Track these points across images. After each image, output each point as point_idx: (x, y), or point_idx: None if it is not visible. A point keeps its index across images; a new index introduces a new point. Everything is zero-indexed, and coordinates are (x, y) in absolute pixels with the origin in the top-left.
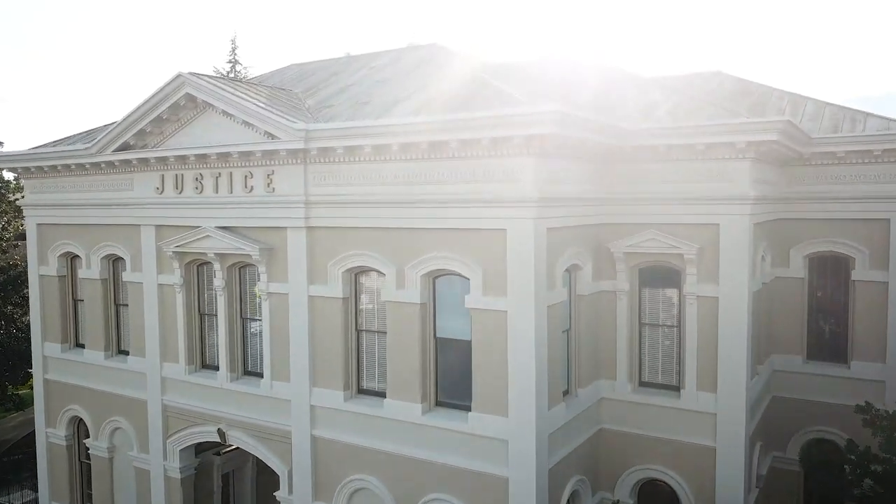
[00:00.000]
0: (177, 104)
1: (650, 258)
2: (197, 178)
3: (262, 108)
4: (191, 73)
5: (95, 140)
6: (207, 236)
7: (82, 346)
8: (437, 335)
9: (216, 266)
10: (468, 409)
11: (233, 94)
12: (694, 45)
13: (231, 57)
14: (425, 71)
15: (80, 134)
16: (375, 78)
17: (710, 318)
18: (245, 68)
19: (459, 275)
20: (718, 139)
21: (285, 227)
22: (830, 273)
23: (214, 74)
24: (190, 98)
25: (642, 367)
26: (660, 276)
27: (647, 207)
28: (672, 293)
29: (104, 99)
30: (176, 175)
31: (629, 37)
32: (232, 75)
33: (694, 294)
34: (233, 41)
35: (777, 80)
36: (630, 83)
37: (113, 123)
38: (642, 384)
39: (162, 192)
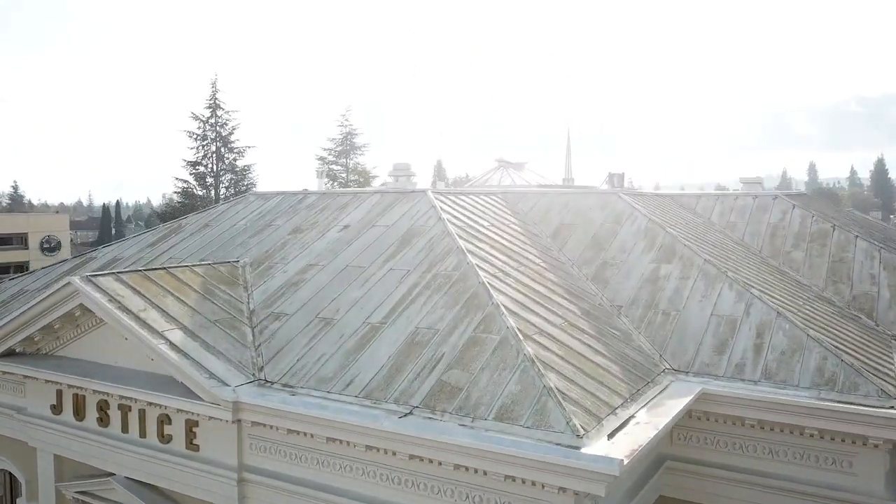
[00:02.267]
0: (71, 314)
1: None
2: (101, 407)
3: (174, 354)
4: (85, 280)
5: None
6: (113, 489)
7: None
8: None
9: None
10: None
11: (135, 319)
12: (695, 43)
13: (211, 102)
14: (408, 257)
15: None
16: (346, 258)
17: None
18: (227, 112)
19: None
20: (837, 427)
21: None
22: None
23: (122, 273)
24: (87, 308)
25: None
26: None
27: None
28: None
29: (102, 100)
30: (75, 395)
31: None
32: (213, 120)
33: None
34: (213, 84)
35: (776, 81)
36: (681, 242)
37: None
38: None
39: (60, 412)
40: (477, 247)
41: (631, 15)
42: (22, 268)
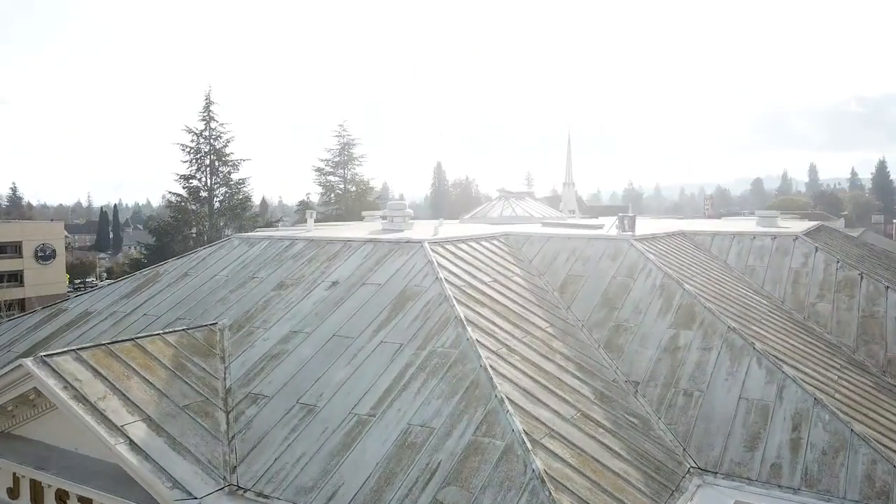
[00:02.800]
0: (25, 395)
1: None
2: (60, 496)
3: (134, 457)
4: (39, 362)
5: None
6: None
7: None
8: None
9: None
10: None
11: (92, 411)
12: (695, 43)
13: (205, 114)
14: (401, 326)
15: None
16: (333, 323)
17: None
18: (221, 125)
19: None
20: None
21: None
22: None
23: (84, 350)
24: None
25: None
26: None
27: None
28: None
29: (102, 100)
30: (32, 482)
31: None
32: (206, 133)
33: None
34: (207, 96)
35: (776, 81)
36: (700, 303)
37: None
38: None
39: (17, 496)
40: (478, 313)
41: (631, 15)
42: (16, 277)
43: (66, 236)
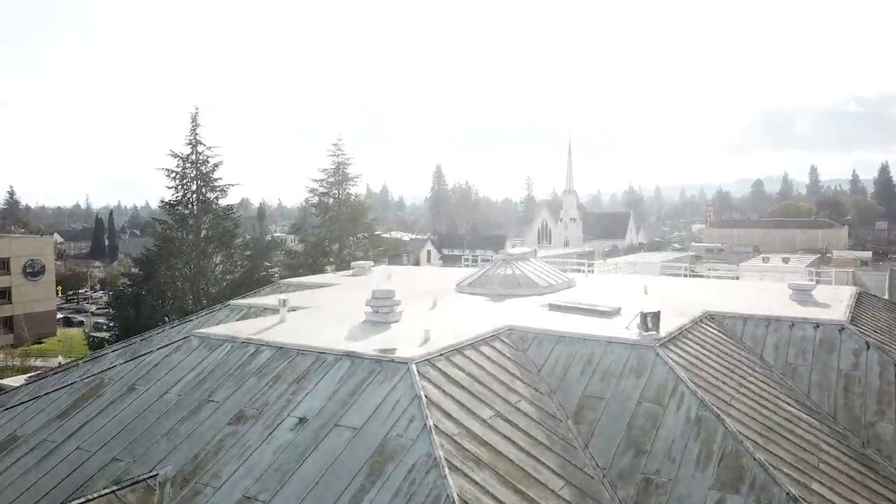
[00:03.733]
0: None
1: None
2: None
3: None
4: None
5: None
6: None
7: None
8: None
9: None
10: None
11: None
12: (694, 44)
13: (191, 138)
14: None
15: None
16: (295, 490)
17: None
18: (209, 148)
19: None
20: None
21: None
22: None
23: None
24: None
25: None
26: None
27: None
28: None
29: (102, 99)
30: None
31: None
32: (192, 158)
33: None
34: (193, 118)
35: (775, 81)
36: (747, 450)
37: None
38: None
39: None
40: (475, 483)
41: (631, 16)
42: (3, 294)
43: (61, 243)
